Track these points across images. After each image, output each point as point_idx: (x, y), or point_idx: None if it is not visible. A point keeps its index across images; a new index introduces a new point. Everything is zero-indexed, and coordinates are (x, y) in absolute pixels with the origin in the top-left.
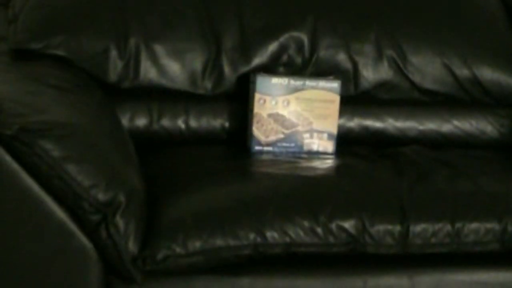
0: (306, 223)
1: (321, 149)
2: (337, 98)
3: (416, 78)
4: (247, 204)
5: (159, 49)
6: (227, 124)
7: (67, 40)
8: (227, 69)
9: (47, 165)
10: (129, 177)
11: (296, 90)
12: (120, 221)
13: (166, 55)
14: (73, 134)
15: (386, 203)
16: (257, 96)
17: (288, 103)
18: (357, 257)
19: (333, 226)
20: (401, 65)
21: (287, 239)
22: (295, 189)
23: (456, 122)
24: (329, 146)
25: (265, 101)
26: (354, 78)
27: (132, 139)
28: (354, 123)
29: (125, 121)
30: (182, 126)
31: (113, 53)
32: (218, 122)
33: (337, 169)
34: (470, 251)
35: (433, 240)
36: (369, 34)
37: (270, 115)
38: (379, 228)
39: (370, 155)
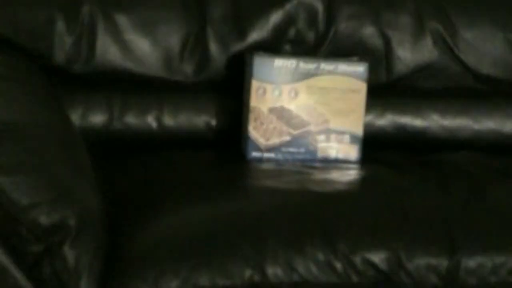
0: (320, 256)
1: (341, 156)
2: (363, 87)
3: (470, 60)
4: (241, 228)
5: (122, 20)
6: (214, 122)
7: None
8: (214, 47)
9: None
10: (82, 193)
11: (308, 76)
12: (69, 253)
13: (131, 28)
14: (5, 136)
15: (429, 229)
16: (254, 84)
17: (297, 93)
18: None
19: (357, 259)
20: (449, 42)
21: (295, 277)
22: (306, 210)
23: None
24: (351, 152)
25: (265, 91)
26: (387, 59)
27: (86, 142)
28: (386, 120)
29: (76, 118)
30: (154, 124)
31: (60, 25)
32: (201, 119)
33: (363, 183)
34: None
35: (492, 279)
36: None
37: (272, 110)
38: (420, 263)
39: (407, 164)
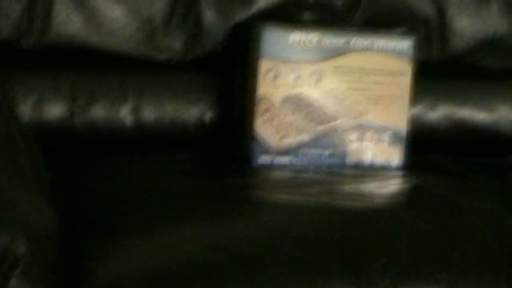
0: None
1: (379, 160)
2: (408, 69)
3: None
4: (241, 257)
5: None
6: (208, 116)
7: None
8: (209, 15)
9: None
10: (34, 211)
11: (335, 53)
12: (17, 287)
13: None
14: None
15: (492, 257)
16: (264, 65)
17: (320, 77)
18: None
19: None
20: None
21: None
22: (329, 233)
23: None
24: (393, 155)
25: (278, 74)
26: (440, 32)
27: (40, 142)
28: (439, 114)
29: (27, 110)
30: (129, 119)
31: None
32: (192, 111)
33: (407, 196)
34: None
35: None
36: None
37: (287, 100)
38: None
39: (467, 172)
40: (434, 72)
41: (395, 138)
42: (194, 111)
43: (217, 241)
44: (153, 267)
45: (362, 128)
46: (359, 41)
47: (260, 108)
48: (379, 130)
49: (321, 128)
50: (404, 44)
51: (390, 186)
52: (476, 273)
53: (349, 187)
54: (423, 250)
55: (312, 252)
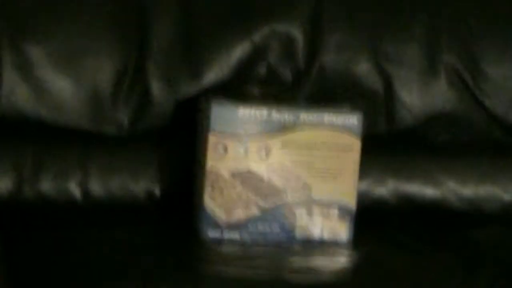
0: None
1: (327, 235)
2: (356, 144)
3: (497, 106)
4: None
5: (34, 51)
6: (157, 190)
7: None
8: (157, 88)
9: None
10: None
11: (283, 129)
12: None
13: (48, 62)
14: None
15: None
16: (212, 139)
17: (269, 152)
18: None
19: None
20: (469, 82)
21: None
22: None
23: None
24: (341, 231)
25: (226, 148)
26: (387, 105)
27: None
28: (387, 189)
29: None
30: (77, 192)
31: None
32: (141, 185)
33: (356, 272)
34: None
35: None
36: (411, 24)
37: (236, 175)
38: None
39: (416, 247)
40: (382, 148)
41: (343, 213)
42: (143, 185)
43: None
44: None
45: (309, 204)
46: (306, 117)
47: (208, 182)
48: (327, 205)
49: (269, 203)
50: (352, 119)
51: (338, 262)
52: None
53: (297, 262)
54: None
55: None
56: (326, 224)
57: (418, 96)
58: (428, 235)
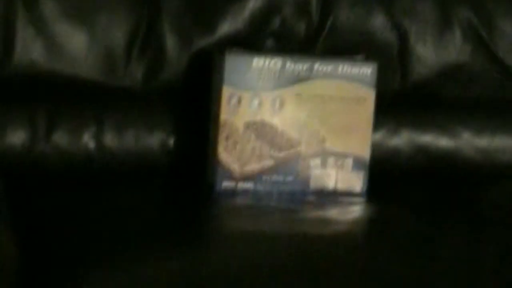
0: None
1: (341, 186)
2: (370, 95)
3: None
4: None
5: (48, 7)
6: (171, 142)
7: None
8: (171, 42)
9: None
10: None
11: (297, 80)
12: None
13: (62, 18)
14: None
15: None
16: (226, 91)
17: (283, 104)
18: None
19: None
20: (484, 35)
21: None
22: (294, 261)
23: None
24: (355, 182)
25: (240, 100)
26: (401, 59)
27: (1, 169)
28: (401, 140)
29: None
30: (91, 145)
31: None
32: (155, 138)
33: (369, 224)
34: None
35: None
36: None
37: (249, 126)
38: None
39: (429, 200)
40: (396, 99)
41: (358, 164)
42: (157, 137)
43: (174, 275)
44: None
45: (324, 155)
46: (320, 68)
47: (222, 134)
48: (341, 156)
49: (283, 154)
50: (366, 70)
51: (352, 213)
52: None
53: (311, 213)
54: (383, 278)
55: (277, 282)
56: (340, 175)
57: (433, 49)
58: (440, 188)
